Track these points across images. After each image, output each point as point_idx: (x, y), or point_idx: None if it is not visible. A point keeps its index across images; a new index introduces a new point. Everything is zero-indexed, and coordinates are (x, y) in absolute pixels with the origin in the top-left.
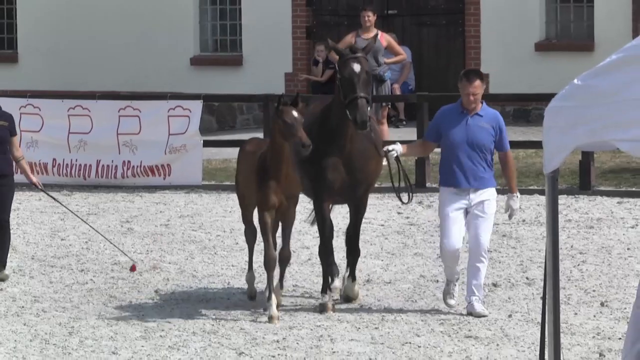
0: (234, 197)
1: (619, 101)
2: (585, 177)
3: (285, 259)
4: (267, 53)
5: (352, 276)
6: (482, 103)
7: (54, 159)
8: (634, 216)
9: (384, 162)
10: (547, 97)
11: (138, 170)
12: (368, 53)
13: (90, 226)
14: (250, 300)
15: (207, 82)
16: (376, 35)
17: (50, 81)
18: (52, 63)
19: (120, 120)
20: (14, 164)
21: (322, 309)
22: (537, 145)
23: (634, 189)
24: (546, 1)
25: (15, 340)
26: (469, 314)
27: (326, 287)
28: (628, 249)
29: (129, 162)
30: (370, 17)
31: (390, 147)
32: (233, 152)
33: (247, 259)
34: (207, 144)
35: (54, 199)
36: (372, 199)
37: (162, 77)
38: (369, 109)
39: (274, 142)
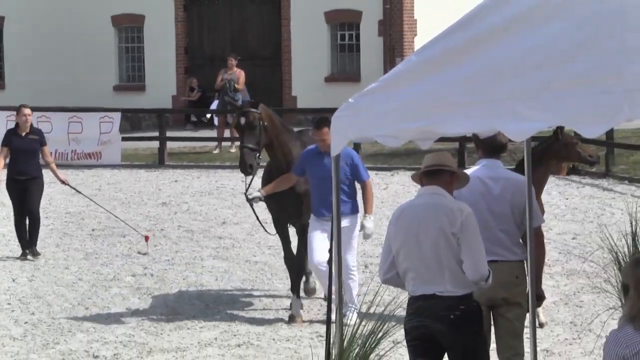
0: (141, 171)
1: (374, 112)
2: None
3: None
4: (160, 83)
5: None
6: None
7: None
8: (385, 182)
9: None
10: (333, 110)
11: (81, 155)
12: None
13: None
14: None
15: (124, 100)
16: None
17: (27, 101)
18: (27, 89)
19: (70, 124)
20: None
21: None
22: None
23: (384, 165)
24: (331, 51)
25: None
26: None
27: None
28: (382, 202)
29: (75, 150)
30: (232, 61)
31: (251, 196)
32: (139, 144)
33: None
34: (124, 139)
35: (77, 191)
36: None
37: (96, 97)
38: (255, 158)
39: (549, 162)
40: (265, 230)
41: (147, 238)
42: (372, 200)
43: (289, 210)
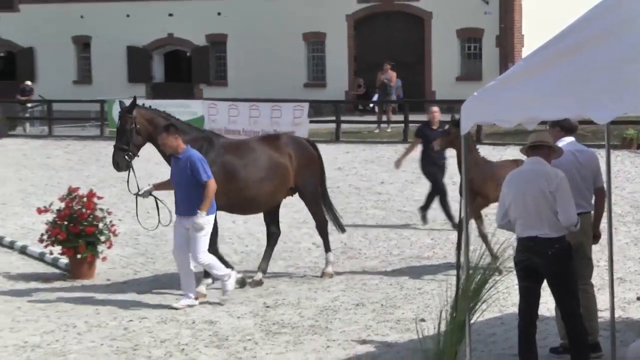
0: (322, 145)
1: (492, 102)
2: (478, 135)
3: None
4: (336, 81)
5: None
6: (186, 147)
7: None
8: (500, 154)
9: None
10: (462, 101)
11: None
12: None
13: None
14: None
15: (310, 94)
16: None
17: (241, 95)
18: (242, 87)
19: (272, 111)
20: None
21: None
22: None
23: (500, 142)
24: (460, 58)
25: None
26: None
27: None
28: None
29: (275, 129)
30: (387, 66)
31: (142, 191)
32: (321, 126)
33: None
34: (311, 122)
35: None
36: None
37: (291, 92)
38: (124, 157)
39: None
40: (160, 223)
41: None
42: (207, 201)
43: None
